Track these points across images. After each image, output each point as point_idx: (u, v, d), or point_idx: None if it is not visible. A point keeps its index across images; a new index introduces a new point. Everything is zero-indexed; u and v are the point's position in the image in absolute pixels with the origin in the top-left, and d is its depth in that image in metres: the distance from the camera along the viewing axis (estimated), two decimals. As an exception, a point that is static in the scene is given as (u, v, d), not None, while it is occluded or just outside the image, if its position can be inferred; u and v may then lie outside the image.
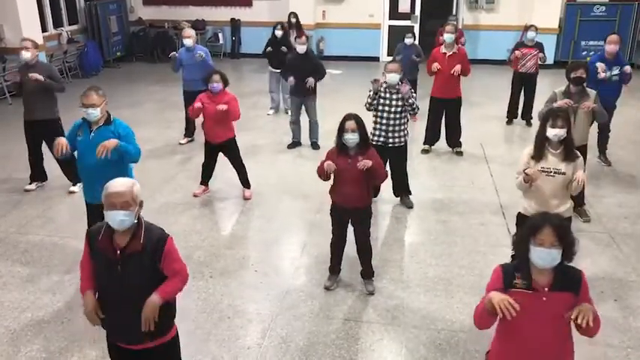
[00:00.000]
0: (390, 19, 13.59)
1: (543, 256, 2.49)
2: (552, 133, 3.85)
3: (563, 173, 3.90)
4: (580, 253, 4.84)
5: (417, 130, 8.07)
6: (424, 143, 7.59)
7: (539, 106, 8.52)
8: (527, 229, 2.56)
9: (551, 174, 3.92)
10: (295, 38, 7.30)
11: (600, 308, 4.21)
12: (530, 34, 8.32)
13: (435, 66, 7.05)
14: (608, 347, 3.87)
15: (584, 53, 12.62)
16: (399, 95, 5.50)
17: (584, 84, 5.32)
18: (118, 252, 2.73)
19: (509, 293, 2.51)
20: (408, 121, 5.75)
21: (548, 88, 10.70)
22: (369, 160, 4.09)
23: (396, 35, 13.59)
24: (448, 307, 4.32)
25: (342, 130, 4.19)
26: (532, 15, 12.52)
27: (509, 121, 8.82)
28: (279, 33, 8.84)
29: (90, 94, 4.14)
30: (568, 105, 5.10)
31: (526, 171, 3.89)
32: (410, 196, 6.07)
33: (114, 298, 2.79)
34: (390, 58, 13.36)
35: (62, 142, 4.17)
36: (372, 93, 5.61)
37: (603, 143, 6.98)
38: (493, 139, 8.15)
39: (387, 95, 5.54)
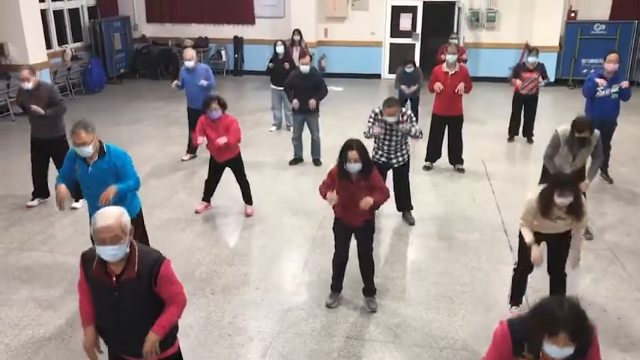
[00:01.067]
0: (391, 37, 13.69)
1: (556, 352, 2.35)
2: (559, 201, 3.79)
3: (564, 219, 3.93)
4: (582, 270, 4.84)
5: (418, 147, 8.10)
6: (426, 160, 7.61)
7: (540, 122, 8.62)
8: (541, 326, 2.36)
9: (554, 220, 3.96)
10: (299, 58, 7.32)
11: (603, 327, 4.21)
12: (532, 58, 8.31)
13: (438, 86, 7.09)
14: (611, 366, 3.84)
15: (585, 71, 12.67)
16: (399, 120, 5.53)
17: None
18: (114, 278, 2.73)
19: None
20: (408, 140, 5.76)
21: (550, 105, 10.79)
22: (370, 198, 4.11)
23: (397, 53, 13.72)
24: (450, 325, 4.29)
25: (344, 158, 4.14)
26: (532, 33, 12.64)
27: (511, 139, 8.84)
28: (280, 49, 8.88)
29: (79, 132, 4.03)
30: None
31: (533, 253, 3.99)
32: (412, 213, 6.07)
33: (112, 321, 2.80)
34: (391, 76, 13.52)
35: (62, 192, 4.23)
36: (368, 130, 5.64)
37: (605, 161, 6.98)
38: (494, 156, 8.16)
39: (387, 123, 5.57)
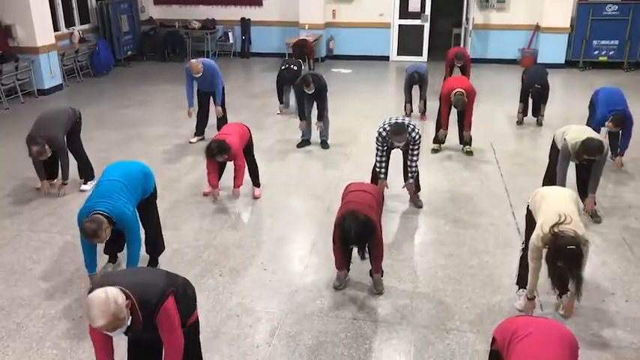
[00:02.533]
0: (400, 18, 13.55)
1: None
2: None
3: None
4: (591, 253, 4.83)
5: (426, 129, 8.06)
6: (434, 142, 7.58)
7: (549, 106, 8.55)
8: None
9: None
10: (304, 86, 7.33)
11: (611, 309, 4.22)
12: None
13: (442, 134, 7.37)
14: (618, 349, 3.84)
15: (596, 53, 12.53)
16: (407, 142, 5.54)
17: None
18: None
19: None
20: (419, 151, 5.70)
21: (560, 86, 10.68)
22: (379, 276, 4.49)
23: (405, 34, 13.61)
24: (457, 307, 4.31)
25: (346, 244, 4.18)
26: (543, 14, 12.47)
27: (520, 121, 8.78)
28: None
29: (92, 241, 4.08)
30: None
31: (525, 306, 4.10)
32: (419, 196, 6.05)
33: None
34: (400, 59, 13.43)
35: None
36: (379, 164, 5.69)
37: (614, 145, 6.93)
38: (503, 139, 8.11)
39: (395, 145, 5.58)
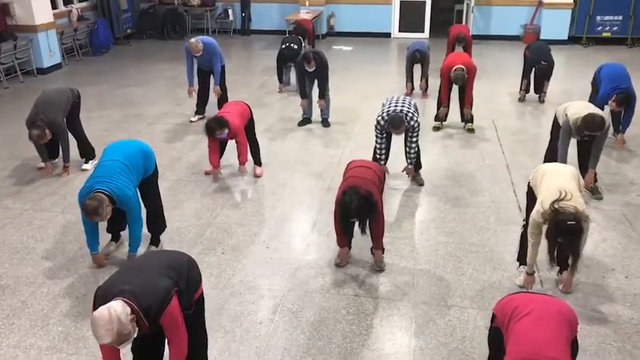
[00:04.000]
0: (401, -6, 13.40)
1: None
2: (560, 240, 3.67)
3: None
4: (591, 229, 4.85)
5: (427, 107, 8.03)
6: (435, 120, 7.55)
7: (552, 82, 8.48)
8: None
9: None
10: (304, 63, 7.27)
11: (611, 285, 4.25)
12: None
13: (442, 112, 7.33)
14: (617, 324, 3.88)
15: (599, 28, 12.41)
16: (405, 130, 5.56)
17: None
18: None
19: None
20: (418, 137, 5.69)
21: (562, 62, 10.60)
22: (380, 253, 4.48)
23: (407, 11, 13.47)
24: (458, 284, 4.34)
25: (347, 220, 4.20)
26: (546, -11, 12.33)
27: (522, 98, 8.73)
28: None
29: (92, 218, 4.10)
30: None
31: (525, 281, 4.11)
32: (421, 173, 6.06)
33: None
34: (402, 35, 13.31)
35: (100, 261, 4.49)
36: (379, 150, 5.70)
37: (617, 121, 6.90)
38: (505, 116, 8.08)
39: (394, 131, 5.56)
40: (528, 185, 4.23)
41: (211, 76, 7.80)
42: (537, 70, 8.34)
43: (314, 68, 7.35)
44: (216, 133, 5.65)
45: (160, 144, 7.03)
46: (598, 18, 12.36)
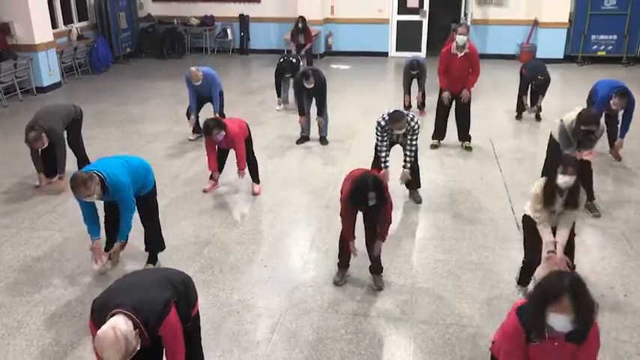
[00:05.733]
0: (398, 14, 13.53)
1: (561, 323, 2.43)
2: (562, 180, 3.84)
3: (562, 213, 3.99)
4: (590, 248, 4.85)
5: (425, 125, 8.06)
6: (433, 138, 7.58)
7: (548, 98, 8.54)
8: (543, 295, 2.45)
9: (554, 213, 4.01)
10: (303, 80, 7.33)
11: (610, 304, 4.23)
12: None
13: (445, 97, 7.21)
14: (618, 342, 3.85)
15: (595, 47, 12.53)
16: (406, 133, 5.54)
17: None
18: None
19: (529, 347, 2.53)
20: (417, 140, 5.69)
21: (558, 80, 10.67)
22: (380, 243, 4.38)
23: (404, 30, 13.59)
24: (457, 303, 4.32)
25: (362, 198, 4.06)
26: (542, 9, 12.46)
27: (519, 116, 8.78)
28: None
29: (79, 190, 4.04)
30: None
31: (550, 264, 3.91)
32: (419, 191, 6.06)
33: None
34: (398, 54, 13.42)
35: (97, 250, 4.39)
36: (380, 146, 5.67)
37: (613, 138, 6.93)
38: (502, 134, 8.12)
39: (395, 132, 5.54)
40: (525, 217, 4.20)
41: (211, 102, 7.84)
42: (534, 85, 8.40)
43: (312, 85, 7.39)
44: (214, 132, 5.69)
45: (159, 161, 7.03)
46: (593, 37, 12.48)
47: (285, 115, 9.04)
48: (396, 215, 5.76)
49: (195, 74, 7.50)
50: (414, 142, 5.62)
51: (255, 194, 6.21)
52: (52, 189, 6.31)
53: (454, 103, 7.34)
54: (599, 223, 5.47)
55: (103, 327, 2.63)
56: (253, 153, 6.25)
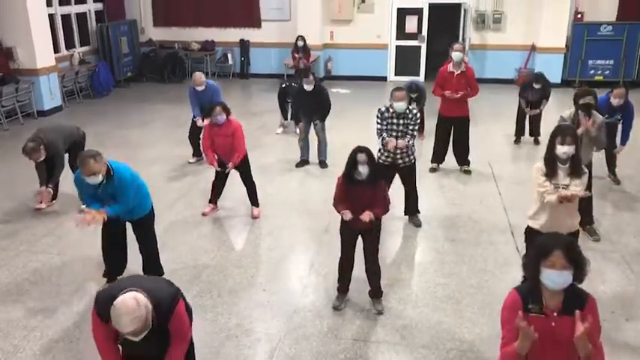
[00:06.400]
0: (397, 39, 13.68)
1: (554, 278, 2.48)
2: (562, 150, 3.86)
3: (567, 186, 3.92)
4: (590, 272, 4.81)
5: (424, 148, 8.09)
6: (432, 162, 7.60)
7: (546, 124, 8.58)
8: (536, 251, 2.55)
9: (560, 188, 3.93)
10: (302, 78, 7.43)
11: (611, 328, 4.19)
12: (537, 85, 8.42)
13: (450, 94, 7.09)
14: (619, 368, 3.82)
15: (592, 72, 12.65)
16: (406, 121, 5.55)
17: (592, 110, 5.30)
18: None
19: (526, 317, 2.50)
20: (414, 139, 5.77)
21: (556, 106, 10.74)
22: (370, 213, 4.16)
23: (402, 55, 13.72)
24: (457, 327, 4.29)
25: (353, 162, 4.17)
26: (539, 34, 12.61)
27: (517, 140, 8.82)
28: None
29: (88, 163, 4.06)
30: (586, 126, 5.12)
31: (564, 194, 3.84)
32: (418, 215, 6.06)
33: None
34: (397, 79, 13.53)
35: (92, 217, 4.28)
36: (380, 135, 5.67)
37: (612, 161, 6.96)
38: (501, 158, 8.15)
39: (395, 120, 5.58)
40: (528, 229, 4.20)
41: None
42: (532, 93, 8.46)
43: (312, 86, 7.45)
44: (216, 110, 5.79)
45: (158, 184, 7.04)
46: (590, 62, 12.62)
47: (285, 139, 9.08)
48: (396, 239, 5.75)
49: (199, 77, 7.63)
50: (415, 127, 5.61)
51: (254, 217, 6.21)
52: (35, 195, 6.35)
53: (452, 127, 7.37)
54: (598, 247, 5.46)
55: (122, 297, 2.60)
56: (251, 175, 6.25)
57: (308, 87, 7.47)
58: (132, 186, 4.33)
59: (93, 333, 2.88)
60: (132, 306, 2.56)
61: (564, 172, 3.94)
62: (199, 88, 7.63)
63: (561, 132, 3.90)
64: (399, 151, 5.64)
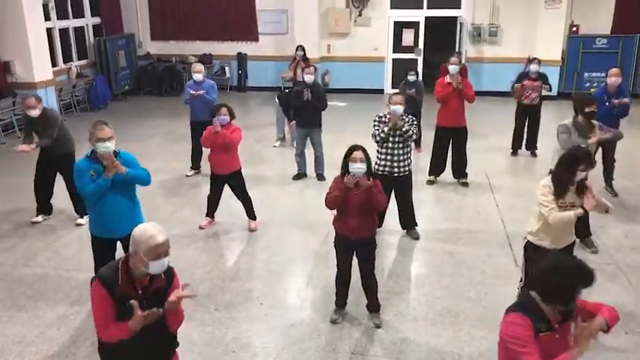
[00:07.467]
0: (394, 52, 13.76)
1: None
2: (581, 176, 3.82)
3: (575, 206, 3.91)
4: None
5: (422, 160, 8.10)
6: (429, 174, 7.61)
7: (543, 136, 8.62)
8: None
9: (567, 207, 3.92)
10: (303, 68, 7.47)
11: (610, 341, 4.17)
12: (534, 66, 8.40)
13: (456, 80, 7.10)
14: (619, 381, 3.80)
15: (587, 85, 12.72)
16: (403, 129, 5.56)
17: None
18: (140, 291, 2.78)
19: (538, 339, 2.50)
20: (411, 150, 5.78)
21: (552, 118, 10.79)
22: (368, 182, 4.14)
23: (400, 68, 13.78)
24: (455, 340, 4.26)
25: (349, 159, 4.21)
26: (535, 47, 12.68)
27: (514, 152, 8.85)
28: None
29: (103, 127, 4.16)
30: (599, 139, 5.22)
31: (579, 213, 3.83)
32: (416, 228, 6.05)
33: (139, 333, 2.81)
34: (395, 92, 13.57)
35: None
36: (377, 135, 5.69)
37: (609, 173, 6.98)
38: (498, 170, 8.16)
39: (393, 110, 5.60)
40: (529, 244, 4.18)
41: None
42: (527, 114, 8.48)
43: (313, 76, 7.51)
44: (222, 110, 5.88)
45: (155, 198, 7.03)
46: (586, 74, 12.72)
47: (283, 152, 9.09)
48: (393, 252, 5.74)
49: (198, 65, 7.75)
50: (414, 129, 5.61)
51: (251, 230, 6.19)
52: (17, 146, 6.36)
53: (450, 139, 7.39)
54: (596, 259, 5.45)
55: (138, 227, 2.75)
56: (246, 191, 6.24)
57: (309, 78, 7.49)
58: (137, 163, 4.39)
59: (96, 311, 2.78)
60: (152, 225, 2.75)
61: (572, 190, 3.92)
62: (198, 77, 7.70)
63: (584, 159, 3.80)
64: (396, 158, 5.64)
